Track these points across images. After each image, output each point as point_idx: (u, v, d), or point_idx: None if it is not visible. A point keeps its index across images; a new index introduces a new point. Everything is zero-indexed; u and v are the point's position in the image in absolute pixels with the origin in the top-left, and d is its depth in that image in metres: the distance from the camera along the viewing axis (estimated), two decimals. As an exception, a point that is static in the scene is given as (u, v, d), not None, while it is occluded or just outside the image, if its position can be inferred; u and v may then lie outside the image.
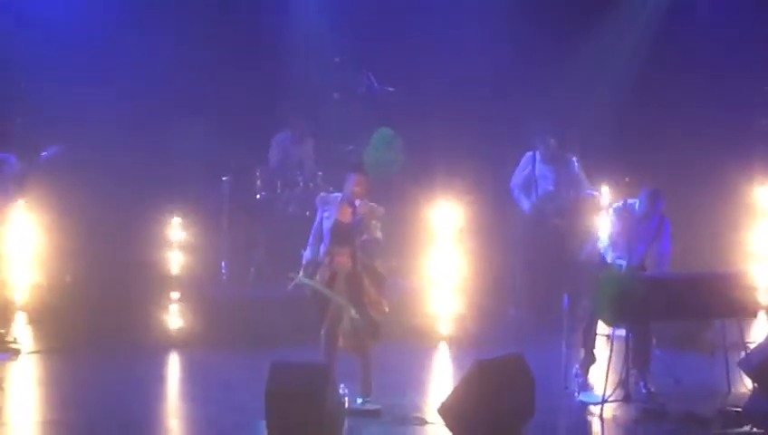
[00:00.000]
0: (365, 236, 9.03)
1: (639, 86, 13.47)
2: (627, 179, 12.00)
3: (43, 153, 12.20)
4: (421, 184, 12.06)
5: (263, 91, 13.16)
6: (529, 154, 12.40)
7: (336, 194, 9.34)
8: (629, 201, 9.83)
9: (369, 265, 9.07)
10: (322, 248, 9.16)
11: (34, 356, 10.81)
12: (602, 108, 13.41)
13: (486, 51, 13.26)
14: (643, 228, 9.76)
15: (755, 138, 13.13)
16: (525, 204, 12.35)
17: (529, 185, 12.35)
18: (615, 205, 9.99)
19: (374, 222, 9.10)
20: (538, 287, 12.03)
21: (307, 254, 9.25)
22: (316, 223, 9.29)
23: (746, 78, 13.20)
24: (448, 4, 13.36)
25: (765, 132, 13.21)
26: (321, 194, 9.60)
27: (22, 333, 11.31)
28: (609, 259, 9.74)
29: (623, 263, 9.60)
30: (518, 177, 12.44)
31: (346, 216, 9.11)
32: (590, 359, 9.88)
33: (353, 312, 8.99)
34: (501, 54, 13.13)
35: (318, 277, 9.13)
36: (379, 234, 9.09)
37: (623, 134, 13.29)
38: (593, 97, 13.46)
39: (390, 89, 13.00)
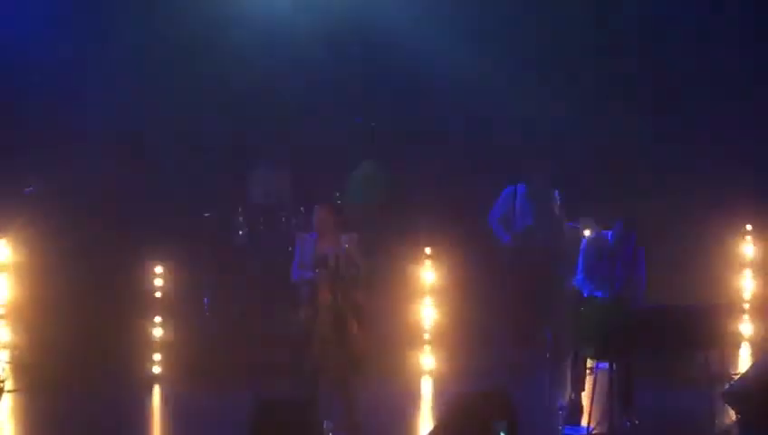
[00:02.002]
0: (345, 270, 9.05)
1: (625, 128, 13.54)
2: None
3: (27, 189, 12.21)
4: (405, 237, 12.09)
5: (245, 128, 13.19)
6: (509, 190, 12.33)
7: (312, 233, 9.40)
8: (603, 232, 9.89)
9: (352, 298, 9.07)
10: (306, 275, 9.19)
11: (16, 395, 10.74)
12: (589, 146, 13.46)
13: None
14: (618, 258, 9.78)
15: (742, 184, 13.12)
16: (505, 236, 12.32)
17: (507, 222, 12.30)
18: (588, 237, 10.01)
19: (354, 247, 9.12)
20: (522, 319, 12.01)
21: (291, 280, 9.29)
22: (296, 256, 9.34)
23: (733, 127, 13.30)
24: (437, 46, 13.41)
25: (752, 180, 13.20)
26: (299, 234, 9.66)
27: (3, 371, 11.22)
28: (585, 293, 9.76)
29: (600, 295, 9.62)
30: (497, 211, 12.37)
31: (326, 242, 9.12)
32: (577, 396, 9.87)
33: (334, 346, 8.99)
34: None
35: (302, 312, 9.14)
36: (359, 261, 9.11)
37: (608, 173, 13.33)
38: (580, 135, 13.50)
39: (358, 119, 13.11)
